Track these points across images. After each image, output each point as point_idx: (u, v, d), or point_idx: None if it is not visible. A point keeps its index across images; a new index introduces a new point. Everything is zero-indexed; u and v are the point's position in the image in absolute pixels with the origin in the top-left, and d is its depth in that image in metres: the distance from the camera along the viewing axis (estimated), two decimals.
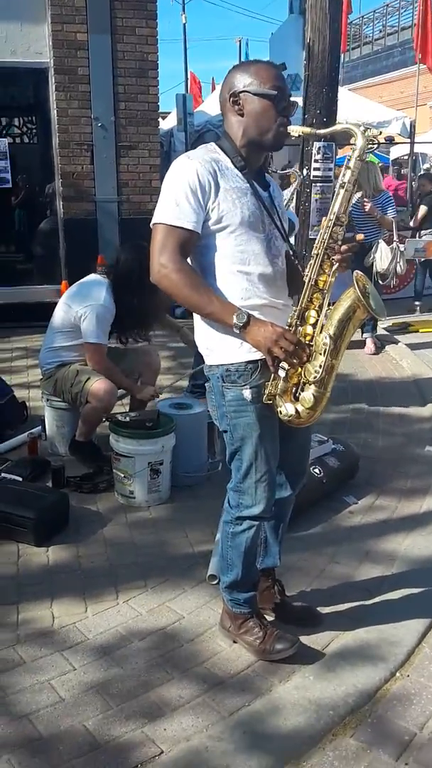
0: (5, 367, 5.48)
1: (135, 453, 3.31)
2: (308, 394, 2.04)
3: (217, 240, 2.05)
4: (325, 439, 3.60)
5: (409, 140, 11.32)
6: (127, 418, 3.49)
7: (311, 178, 5.50)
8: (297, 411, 2.06)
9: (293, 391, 2.07)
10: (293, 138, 2.17)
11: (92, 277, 3.81)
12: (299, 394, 2.06)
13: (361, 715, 2.10)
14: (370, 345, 6.21)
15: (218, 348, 2.11)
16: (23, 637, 2.42)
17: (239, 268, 2.07)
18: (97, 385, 3.53)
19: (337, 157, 6.74)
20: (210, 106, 12.19)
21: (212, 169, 2.02)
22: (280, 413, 2.08)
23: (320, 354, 2.02)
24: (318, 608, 2.58)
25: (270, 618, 2.47)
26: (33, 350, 3.79)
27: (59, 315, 3.71)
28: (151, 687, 2.20)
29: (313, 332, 2.06)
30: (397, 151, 14.12)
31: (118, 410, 3.93)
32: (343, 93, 8.62)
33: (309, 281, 2.07)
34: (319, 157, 5.45)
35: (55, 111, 6.93)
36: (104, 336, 3.62)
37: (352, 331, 2.06)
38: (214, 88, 16.73)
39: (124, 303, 3.63)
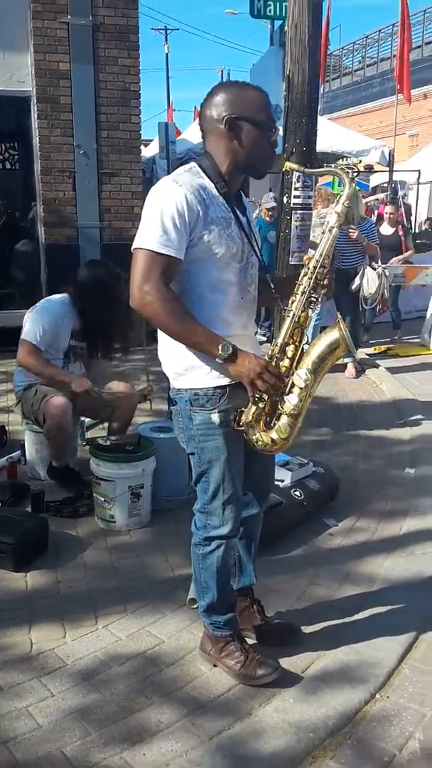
0: None
1: (115, 477, 3.31)
2: (284, 424, 2.09)
3: (196, 267, 2.05)
4: (306, 461, 3.62)
5: (387, 168, 11.56)
6: (108, 442, 3.49)
7: (291, 205, 5.59)
8: (272, 439, 2.10)
9: (267, 420, 2.10)
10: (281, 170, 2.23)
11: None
12: (274, 423, 2.10)
13: (341, 737, 2.10)
14: (350, 369, 6.28)
15: (187, 372, 2.12)
16: (1, 663, 2.39)
17: (213, 296, 2.08)
18: (51, 402, 3.50)
19: (318, 183, 6.89)
20: (192, 134, 12.38)
21: (200, 197, 2.00)
22: (256, 442, 2.12)
23: (300, 387, 2.07)
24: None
25: (251, 641, 2.46)
26: (12, 374, 3.80)
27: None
28: (131, 712, 2.18)
29: (291, 365, 2.11)
30: (377, 179, 14.40)
31: (99, 434, 3.93)
32: (324, 122, 8.82)
33: (293, 318, 2.11)
34: (299, 185, 5.54)
35: (38, 138, 7.01)
36: (38, 338, 3.57)
37: (328, 367, 2.13)
38: (196, 117, 17.01)
39: (88, 315, 3.67)
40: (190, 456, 2.24)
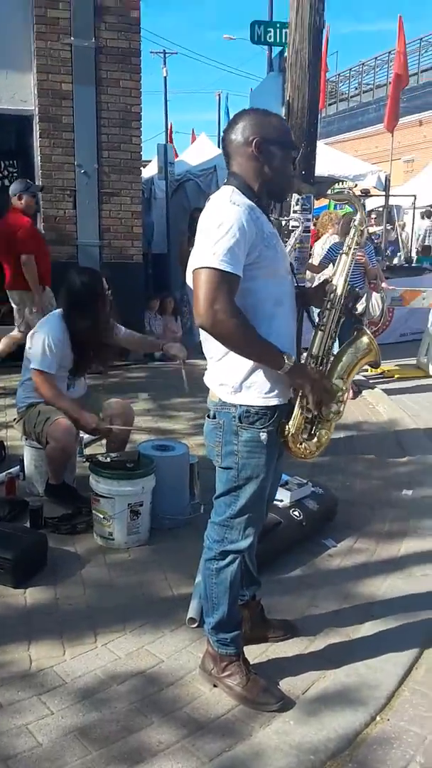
0: None
1: (115, 494, 3.30)
2: (324, 432, 2.28)
3: (259, 283, 2.09)
4: (304, 482, 3.63)
5: (384, 193, 11.70)
6: (108, 459, 3.49)
7: (290, 228, 5.66)
8: (317, 446, 2.28)
9: (307, 428, 2.26)
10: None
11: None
12: (315, 432, 2.27)
13: (342, 759, 2.09)
14: None
15: (243, 388, 2.14)
16: (0, 680, 2.37)
17: (275, 310, 2.14)
18: (55, 425, 3.51)
19: (315, 207, 6.98)
20: (190, 156, 12.51)
21: (254, 215, 2.06)
22: (298, 451, 2.25)
23: (339, 396, 2.25)
24: (297, 652, 2.58)
25: (252, 659, 2.46)
26: (11, 389, 3.81)
27: (26, 351, 3.78)
28: (131, 732, 2.16)
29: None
30: (372, 203, 14.56)
31: (98, 451, 3.93)
32: (321, 147, 8.91)
33: (327, 332, 2.26)
34: (297, 208, 5.61)
35: (39, 157, 7.09)
36: (49, 363, 3.59)
37: (355, 374, 2.38)
38: (194, 139, 17.18)
39: (78, 328, 3.66)
40: (222, 470, 2.25)
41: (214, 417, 2.24)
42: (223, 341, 2.06)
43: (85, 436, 4.19)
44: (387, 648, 2.59)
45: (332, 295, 2.27)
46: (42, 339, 3.62)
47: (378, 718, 2.26)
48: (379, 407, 6.05)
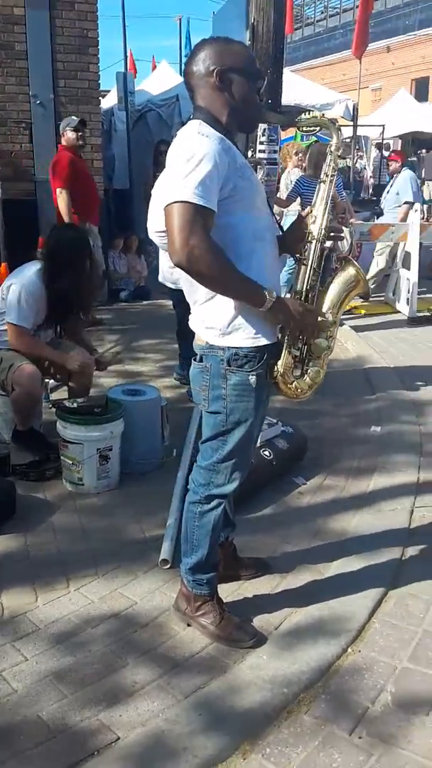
0: None
1: (83, 439, 3.26)
2: (315, 368, 2.24)
3: (236, 218, 2.02)
4: (274, 421, 3.62)
5: (352, 123, 11.43)
6: (75, 404, 3.43)
7: (256, 159, 5.48)
8: (308, 385, 2.25)
9: (298, 367, 2.23)
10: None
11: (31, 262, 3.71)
12: (306, 368, 2.24)
13: (315, 691, 2.13)
14: None
15: (231, 331, 2.10)
16: None
17: (255, 245, 2.07)
18: (19, 371, 3.42)
19: (281, 138, 6.77)
20: (151, 85, 11.99)
21: (225, 145, 1.99)
22: (289, 391, 2.23)
23: (328, 331, 2.22)
24: (270, 589, 2.61)
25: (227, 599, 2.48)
26: None
27: None
28: (106, 674, 2.18)
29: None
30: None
31: (63, 396, 3.86)
32: (287, 75, 8.61)
33: (310, 264, 2.20)
34: (264, 139, 5.40)
35: None
36: (25, 316, 3.48)
37: (345, 307, 2.32)
38: (154, 67, 16.47)
39: (58, 286, 3.52)
40: (210, 415, 2.22)
41: (201, 360, 2.20)
42: (200, 279, 1.99)
43: (50, 381, 4.12)
44: (358, 582, 2.64)
45: (312, 226, 2.21)
46: (18, 292, 3.47)
47: (349, 650, 2.31)
48: (348, 344, 6.05)
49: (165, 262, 4.18)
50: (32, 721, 1.98)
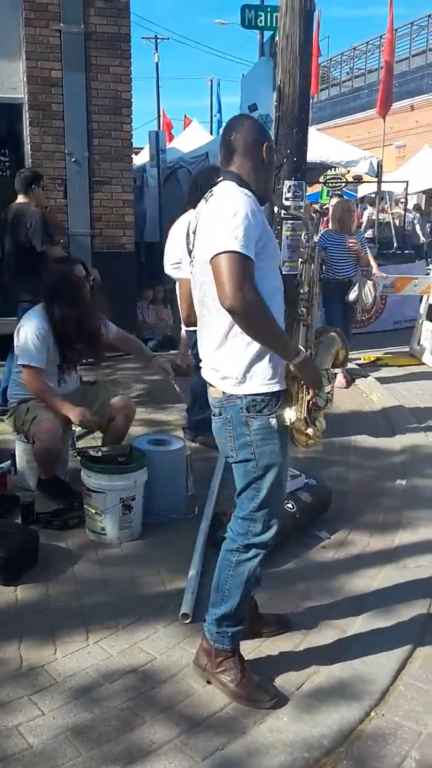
0: None
1: (107, 488, 3.27)
2: (321, 419, 2.37)
3: (260, 275, 2.11)
4: (298, 473, 3.60)
5: (376, 179, 11.63)
6: (99, 453, 3.46)
7: (282, 215, 5.59)
8: (320, 433, 2.37)
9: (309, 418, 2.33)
10: None
11: None
12: (313, 419, 2.33)
13: (337, 756, 2.07)
14: (340, 379, 6.27)
15: (247, 378, 2.18)
16: None
17: (270, 301, 2.14)
18: (40, 426, 3.49)
19: (307, 194, 6.91)
20: (182, 143, 12.40)
21: (258, 207, 2.15)
22: (302, 439, 2.34)
23: (326, 385, 2.35)
24: (291, 647, 2.56)
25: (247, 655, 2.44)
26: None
27: (14, 346, 3.74)
28: (123, 731, 2.14)
29: None
30: (364, 189, 14.49)
31: (90, 444, 3.89)
32: (312, 133, 8.85)
33: (309, 326, 2.35)
34: (289, 195, 5.54)
35: (29, 145, 6.99)
36: (35, 356, 3.56)
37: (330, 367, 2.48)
38: (186, 125, 17.03)
39: (58, 317, 3.60)
40: (240, 464, 2.27)
41: (220, 414, 2.27)
42: (248, 324, 2.08)
43: (77, 429, 4.16)
44: (381, 642, 2.58)
45: (306, 294, 2.35)
46: (26, 333, 3.59)
47: (373, 713, 2.25)
48: (373, 396, 6.03)
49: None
50: None
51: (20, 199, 5.14)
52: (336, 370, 2.47)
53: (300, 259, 2.43)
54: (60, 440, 3.60)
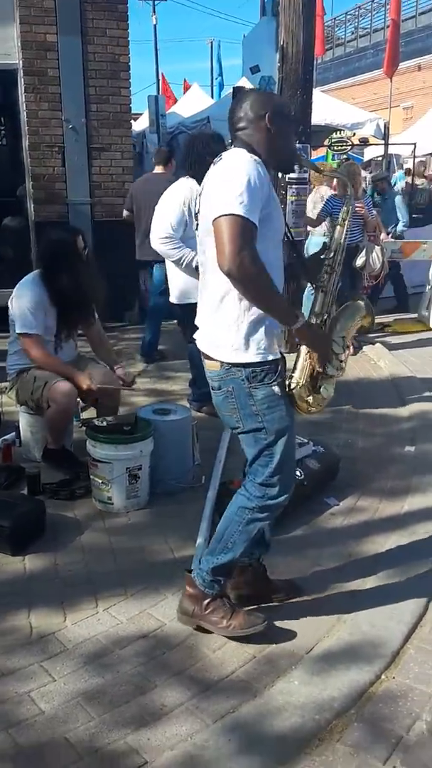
0: None
1: (113, 458, 3.26)
2: (328, 387, 2.39)
3: (261, 245, 2.08)
4: (306, 441, 3.58)
5: (383, 142, 11.41)
6: (104, 423, 3.44)
7: (287, 180, 5.50)
8: (323, 399, 2.39)
9: (314, 385, 2.36)
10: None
11: None
12: (319, 387, 2.37)
13: (347, 718, 2.08)
14: None
15: (244, 347, 2.17)
16: (1, 648, 2.35)
17: (271, 270, 2.12)
18: (54, 388, 3.44)
19: (311, 158, 6.78)
20: (182, 107, 12.16)
21: (265, 172, 2.14)
22: (303, 405, 2.35)
23: (337, 353, 2.36)
24: (301, 612, 2.56)
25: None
26: (3, 353, 3.76)
27: (10, 315, 3.68)
28: (134, 696, 2.15)
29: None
30: (371, 152, 14.22)
31: (94, 415, 3.87)
32: (317, 95, 8.65)
33: (329, 292, 2.38)
34: None
35: (25, 113, 6.86)
36: (32, 323, 3.52)
37: (351, 336, 2.50)
38: (186, 89, 16.71)
39: (57, 285, 3.55)
40: (248, 434, 2.28)
41: (220, 388, 2.26)
42: (246, 288, 2.06)
43: (80, 401, 4.12)
44: (391, 606, 2.57)
45: (330, 260, 2.38)
46: (21, 301, 3.55)
47: (383, 676, 2.25)
48: (380, 362, 5.97)
49: (174, 277, 4.20)
50: (60, 743, 1.96)
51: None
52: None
53: (335, 223, 2.45)
54: (75, 403, 3.57)
